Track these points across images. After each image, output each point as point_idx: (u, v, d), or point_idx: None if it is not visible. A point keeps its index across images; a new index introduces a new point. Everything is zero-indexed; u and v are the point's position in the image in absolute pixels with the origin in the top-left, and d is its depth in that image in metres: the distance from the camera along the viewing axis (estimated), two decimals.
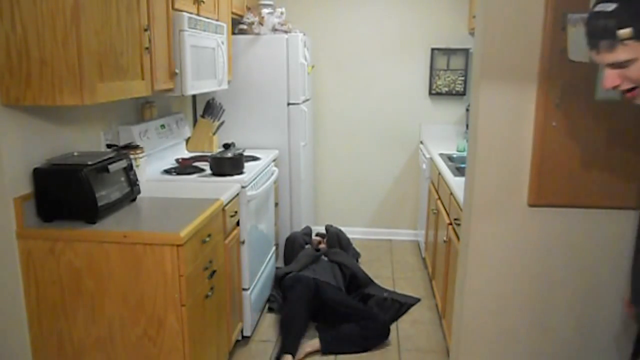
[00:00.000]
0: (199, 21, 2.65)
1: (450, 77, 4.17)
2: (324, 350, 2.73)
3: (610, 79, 1.20)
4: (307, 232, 3.76)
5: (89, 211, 1.91)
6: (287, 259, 3.52)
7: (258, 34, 3.53)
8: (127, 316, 1.90)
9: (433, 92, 4.21)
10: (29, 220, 1.91)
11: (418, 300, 3.34)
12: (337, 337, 2.78)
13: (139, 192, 2.26)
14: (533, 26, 1.67)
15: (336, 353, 2.74)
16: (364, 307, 3.04)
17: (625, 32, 1.12)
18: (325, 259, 3.35)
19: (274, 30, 3.56)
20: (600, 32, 1.16)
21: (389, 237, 4.52)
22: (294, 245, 3.53)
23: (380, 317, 2.92)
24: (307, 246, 3.57)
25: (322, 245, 3.62)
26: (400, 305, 3.23)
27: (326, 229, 3.86)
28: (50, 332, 1.94)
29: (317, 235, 3.79)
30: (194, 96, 3.68)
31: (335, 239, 3.70)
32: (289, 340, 2.69)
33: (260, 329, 2.99)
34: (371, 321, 2.83)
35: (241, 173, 2.79)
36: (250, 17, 3.55)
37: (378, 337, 2.83)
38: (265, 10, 3.60)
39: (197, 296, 2.02)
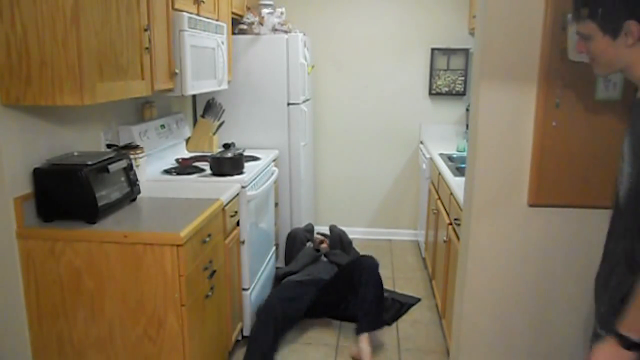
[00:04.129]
0: (199, 21, 2.65)
1: (450, 77, 4.17)
2: (370, 330, 2.73)
3: (578, 45, 1.39)
4: (309, 229, 3.76)
5: (89, 211, 1.91)
6: (288, 256, 3.52)
7: (258, 34, 3.53)
8: (127, 316, 1.90)
9: (433, 92, 4.21)
10: (29, 220, 1.91)
11: (418, 300, 3.34)
12: (369, 313, 2.76)
13: (139, 192, 2.26)
14: (533, 26, 1.68)
15: (380, 321, 2.79)
16: (344, 266, 3.07)
17: (584, 10, 1.30)
18: (325, 259, 3.35)
19: (274, 30, 3.56)
20: (575, 3, 1.35)
21: (389, 237, 4.52)
22: (294, 242, 3.52)
23: (363, 261, 2.94)
24: (308, 243, 3.56)
25: (324, 245, 3.61)
26: (401, 306, 3.23)
27: (330, 229, 3.86)
28: (50, 332, 1.95)
29: (319, 234, 3.78)
30: (194, 96, 3.68)
31: (338, 240, 3.70)
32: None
33: None
34: (364, 273, 2.84)
35: (241, 173, 2.79)
36: (250, 17, 3.55)
37: (371, 270, 2.85)
38: (265, 10, 3.60)
39: (197, 296, 2.02)
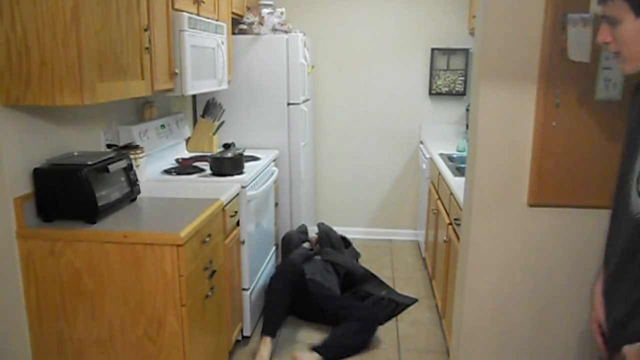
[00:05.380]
0: (199, 21, 2.65)
1: (450, 77, 4.17)
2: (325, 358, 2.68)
3: (602, 33, 1.22)
4: (303, 230, 3.75)
5: (89, 211, 1.91)
6: (284, 258, 3.52)
7: (258, 34, 3.53)
8: (127, 316, 1.90)
9: (433, 92, 4.21)
10: (29, 220, 1.91)
11: (415, 300, 3.34)
12: (338, 345, 2.72)
13: (139, 192, 2.26)
14: (533, 26, 1.68)
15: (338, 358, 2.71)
16: (350, 302, 3.03)
17: None
18: (319, 258, 3.35)
19: (274, 30, 3.56)
20: None
21: (389, 237, 4.52)
22: (289, 244, 3.53)
23: (366, 311, 2.92)
24: (303, 244, 3.56)
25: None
26: (397, 305, 3.22)
27: (318, 227, 3.83)
28: (50, 332, 1.94)
29: (314, 234, 3.77)
30: (194, 96, 3.68)
31: (325, 238, 3.66)
32: (269, 323, 2.70)
33: (260, 329, 2.98)
34: (359, 321, 2.81)
35: (241, 173, 2.79)
36: (250, 17, 3.55)
37: (369, 331, 2.83)
38: (265, 10, 3.60)
39: (197, 296, 2.02)
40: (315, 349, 2.67)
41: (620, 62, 1.23)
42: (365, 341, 2.80)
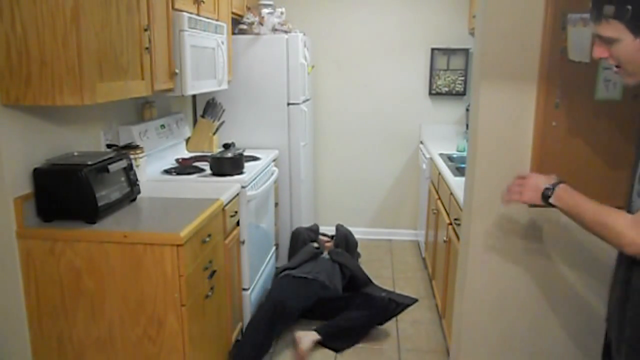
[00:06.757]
0: (199, 21, 2.65)
1: (450, 77, 4.17)
2: (324, 339, 2.76)
3: (597, 50, 1.21)
4: (314, 228, 3.76)
5: (89, 211, 1.91)
6: (290, 254, 3.54)
7: (258, 34, 3.53)
8: (127, 316, 1.90)
9: (433, 92, 4.21)
10: (29, 220, 1.91)
11: (415, 300, 3.34)
12: (336, 326, 2.81)
13: (139, 192, 2.26)
14: (533, 26, 1.68)
15: (339, 343, 2.78)
16: (350, 296, 3.08)
17: (608, 8, 1.13)
18: (327, 257, 3.35)
19: (274, 30, 3.57)
20: (595, 2, 1.17)
21: (389, 237, 4.52)
22: (297, 241, 3.55)
23: (377, 296, 2.99)
24: (312, 243, 3.57)
25: (329, 245, 3.61)
26: (397, 305, 3.22)
27: (336, 228, 3.85)
28: (50, 332, 1.95)
29: (323, 235, 3.78)
30: (194, 96, 3.68)
31: (343, 239, 3.68)
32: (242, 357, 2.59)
33: None
34: (369, 301, 2.92)
35: (241, 173, 2.79)
36: (250, 17, 3.55)
37: (378, 315, 2.91)
38: (265, 10, 3.60)
39: (197, 296, 2.02)
40: (316, 329, 2.76)
41: (622, 76, 1.22)
42: (364, 324, 2.87)
